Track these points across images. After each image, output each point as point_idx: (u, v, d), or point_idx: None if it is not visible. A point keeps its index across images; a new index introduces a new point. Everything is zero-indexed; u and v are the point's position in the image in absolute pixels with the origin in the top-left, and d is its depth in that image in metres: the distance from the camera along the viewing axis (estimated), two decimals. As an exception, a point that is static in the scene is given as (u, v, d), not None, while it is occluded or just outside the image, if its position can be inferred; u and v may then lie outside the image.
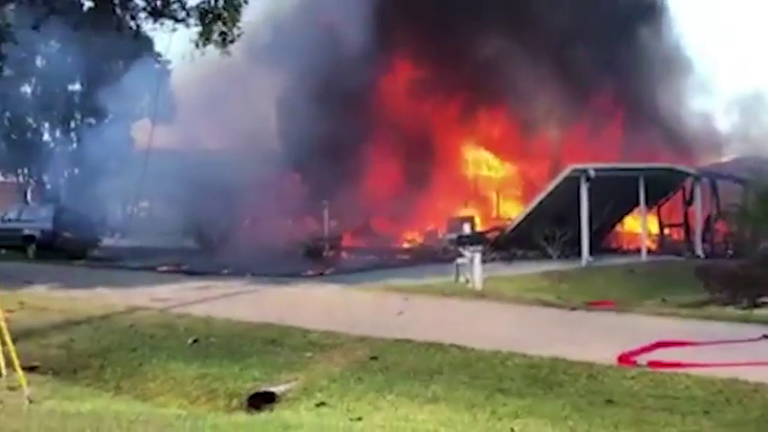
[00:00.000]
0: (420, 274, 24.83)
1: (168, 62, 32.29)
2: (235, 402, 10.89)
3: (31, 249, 34.61)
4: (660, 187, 32.65)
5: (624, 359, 11.95)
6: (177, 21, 22.91)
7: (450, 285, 21.79)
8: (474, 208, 35.96)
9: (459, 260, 22.52)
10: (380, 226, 34.75)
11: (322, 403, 10.11)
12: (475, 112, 35.95)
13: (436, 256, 29.53)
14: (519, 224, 31.42)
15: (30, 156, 40.42)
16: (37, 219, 35.63)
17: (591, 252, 29.09)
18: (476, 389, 10.47)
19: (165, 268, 28.36)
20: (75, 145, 41.04)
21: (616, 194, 30.87)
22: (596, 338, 14.14)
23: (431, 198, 34.99)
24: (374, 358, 12.34)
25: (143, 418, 9.08)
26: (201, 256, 31.68)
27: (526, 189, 35.87)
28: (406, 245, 34.76)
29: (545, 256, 29.24)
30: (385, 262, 29.07)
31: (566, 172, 30.02)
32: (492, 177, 38.10)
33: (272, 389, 10.96)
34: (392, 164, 33.92)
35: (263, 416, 10.07)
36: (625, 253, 33.38)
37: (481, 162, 37.98)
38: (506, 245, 31.17)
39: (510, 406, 9.70)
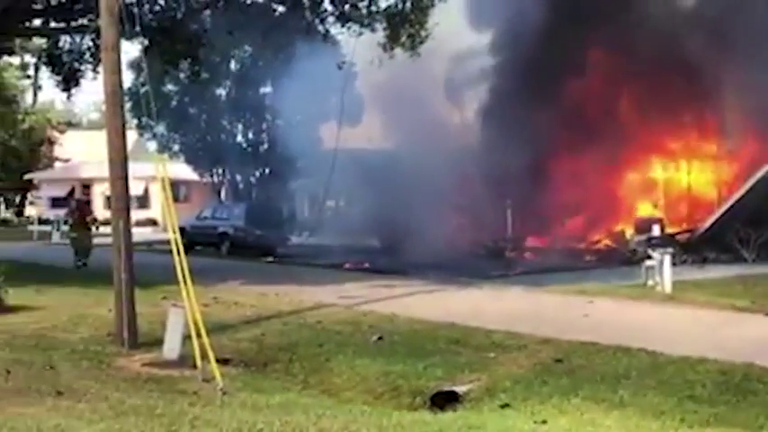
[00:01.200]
0: (606, 276, 24.29)
1: (353, 65, 32.85)
2: (418, 400, 11.00)
3: (225, 246, 35.97)
4: None
5: (825, 369, 11.33)
6: (363, 25, 23.38)
7: (637, 289, 21.19)
8: (663, 209, 34.88)
9: (648, 262, 21.87)
10: (566, 226, 34.17)
11: (506, 405, 10.05)
12: (672, 111, 34.78)
13: (624, 258, 28.83)
14: (712, 226, 30.25)
15: (224, 156, 42.02)
16: (230, 217, 37.07)
17: (790, 256, 27.71)
18: (664, 395, 10.16)
19: (350, 266, 28.90)
20: (265, 145, 42.38)
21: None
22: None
23: (619, 199, 34.17)
24: (559, 361, 12.18)
25: (330, 413, 9.28)
26: (385, 254, 32.07)
27: (720, 190, 34.49)
28: (592, 246, 34.08)
29: (739, 260, 28.04)
30: (570, 264, 28.59)
31: (763, 171, 28.70)
32: (684, 178, 36.84)
33: (455, 388, 10.99)
34: (580, 162, 33.28)
35: (447, 415, 10.10)
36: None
37: (673, 162, 36.78)
38: (698, 247, 30.09)
39: (700, 413, 9.37)
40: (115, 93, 13.08)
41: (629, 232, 32.84)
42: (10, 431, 7.67)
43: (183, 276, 11.11)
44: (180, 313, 11.73)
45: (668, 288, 20.46)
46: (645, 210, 34.92)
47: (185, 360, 11.61)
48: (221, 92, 41.43)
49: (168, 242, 12.16)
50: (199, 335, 11.03)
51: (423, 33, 22.80)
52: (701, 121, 34.46)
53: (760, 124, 31.14)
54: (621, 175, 34.48)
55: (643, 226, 31.71)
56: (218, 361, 11.08)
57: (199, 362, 11.01)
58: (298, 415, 8.86)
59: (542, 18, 31.55)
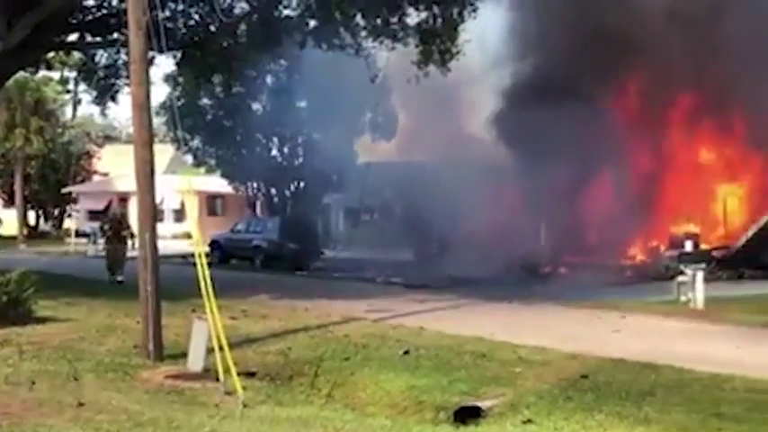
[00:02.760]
0: (640, 292, 24.13)
1: (387, 78, 32.88)
2: (442, 415, 10.95)
3: (258, 260, 36.12)
4: None
5: None
6: (396, 39, 23.42)
7: (670, 304, 21.01)
8: (700, 224, 34.50)
9: (681, 278, 21.66)
10: (601, 241, 33.90)
11: (529, 420, 9.99)
12: (709, 124, 34.46)
13: (658, 273, 28.55)
14: (748, 241, 29.90)
15: (259, 170, 42.18)
16: (264, 230, 37.24)
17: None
18: (690, 412, 10.04)
19: (381, 280, 28.89)
20: (300, 159, 42.51)
21: None
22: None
23: (656, 214, 33.85)
24: (585, 376, 12.07)
25: (350, 426, 9.26)
26: (419, 268, 32.04)
27: (759, 205, 34.05)
28: (627, 261, 33.78)
29: (775, 277, 27.68)
30: (604, 279, 28.36)
31: (799, 187, 28.39)
32: (721, 193, 36.42)
33: (479, 403, 10.92)
34: (617, 175, 33.05)
35: (468, 430, 10.06)
36: None
37: (709, 177, 36.38)
38: (734, 263, 29.76)
39: (726, 431, 9.25)
40: (142, 105, 13.18)
41: (664, 248, 32.55)
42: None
43: (206, 289, 11.15)
44: (204, 326, 11.77)
45: (700, 304, 20.25)
46: (682, 226, 34.56)
47: (209, 373, 11.63)
48: (257, 106, 41.58)
49: (205, 255, 12.21)
50: (221, 348, 11.04)
51: (453, 50, 22.82)
52: (738, 137, 34.10)
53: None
54: (660, 189, 34.12)
55: (678, 241, 31.47)
56: (242, 374, 11.10)
57: (222, 374, 11.02)
58: (317, 428, 8.88)
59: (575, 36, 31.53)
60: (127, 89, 27.36)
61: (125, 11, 14.25)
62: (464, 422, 10.50)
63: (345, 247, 43.57)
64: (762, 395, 10.82)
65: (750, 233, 30.02)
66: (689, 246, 25.92)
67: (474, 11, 23.23)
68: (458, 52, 23.25)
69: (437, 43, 22.83)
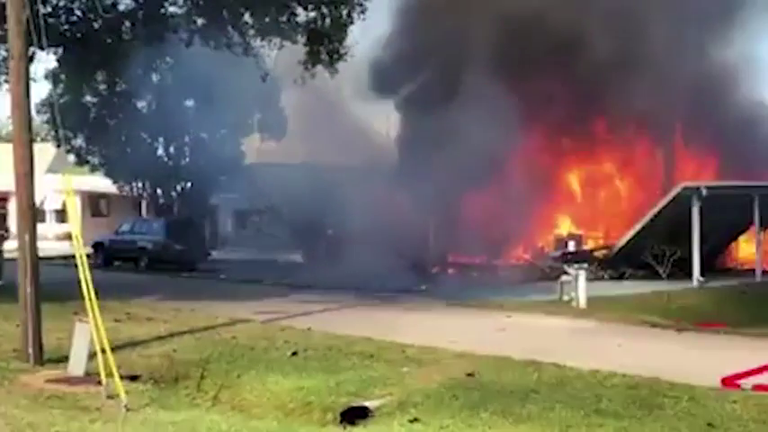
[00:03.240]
0: (525, 291, 24.57)
1: (277, 79, 32.69)
2: (329, 416, 10.91)
3: (143, 261, 35.47)
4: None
5: (728, 382, 11.55)
6: (285, 38, 23.29)
7: (553, 304, 21.47)
8: (583, 226, 35.37)
9: (564, 278, 22.18)
10: (489, 242, 34.42)
11: (415, 419, 10.03)
12: (585, 128, 35.38)
13: (543, 273, 29.15)
14: (628, 242, 30.76)
15: (144, 170, 41.37)
16: (149, 231, 36.55)
17: (702, 272, 28.27)
18: (572, 409, 10.24)
19: (270, 282, 28.71)
20: (187, 159, 41.88)
21: (730, 213, 29.96)
22: (701, 360, 13.74)
23: (542, 216, 34.55)
24: (471, 375, 12.21)
25: (236, 429, 9.15)
26: (308, 269, 31.96)
27: (638, 208, 35.09)
28: (513, 262, 34.39)
29: (654, 276, 28.54)
30: (491, 279, 28.82)
31: (677, 190, 29.30)
32: (602, 195, 37.41)
33: (366, 404, 10.93)
34: (503, 180, 33.63)
35: (356, 430, 10.06)
36: (739, 274, 32.32)
37: (591, 180, 37.33)
38: (615, 263, 30.58)
39: (607, 427, 9.48)
40: (21, 104, 12.79)
41: (549, 249, 33.26)
42: None
43: (88, 291, 10.87)
44: (86, 329, 11.47)
45: (583, 303, 20.74)
46: (565, 227, 35.39)
47: (91, 376, 11.35)
48: (142, 104, 40.76)
49: (87, 256, 11.89)
50: (104, 351, 10.78)
51: (342, 51, 22.85)
52: (620, 137, 35.13)
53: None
54: (544, 191, 34.83)
55: (562, 242, 32.20)
56: (125, 377, 10.86)
57: (104, 378, 10.76)
58: (202, 431, 8.73)
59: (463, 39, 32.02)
60: (6, 86, 26.52)
61: (4, 6, 13.79)
62: (352, 423, 10.48)
63: (233, 248, 43.14)
64: (641, 391, 11.13)
65: (630, 234, 30.85)
66: (572, 246, 26.49)
67: (363, 12, 23.26)
68: (346, 53, 23.28)
69: (325, 43, 22.78)
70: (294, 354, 14.06)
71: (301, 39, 23.34)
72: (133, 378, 11.79)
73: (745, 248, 35.08)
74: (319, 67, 23.85)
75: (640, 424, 9.68)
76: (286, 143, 40.61)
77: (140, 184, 43.39)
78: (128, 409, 9.85)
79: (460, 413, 10.14)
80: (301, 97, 33.30)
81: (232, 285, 28.02)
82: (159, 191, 42.74)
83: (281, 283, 28.21)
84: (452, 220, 31.74)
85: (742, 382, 11.55)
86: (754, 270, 30.77)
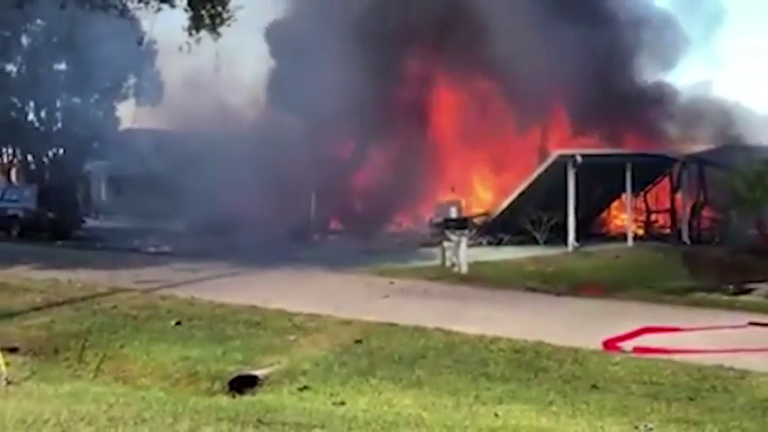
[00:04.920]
0: (407, 257, 24.75)
1: (154, 42, 31.96)
2: (217, 385, 10.77)
3: (15, 230, 34.30)
4: (648, 173, 32.67)
5: (609, 345, 11.91)
6: (163, 1, 22.69)
7: (435, 269, 21.70)
8: (462, 194, 35.81)
9: (446, 244, 22.44)
10: (372, 210, 34.55)
11: (305, 387, 10.00)
12: (465, 95, 35.78)
13: (424, 240, 29.44)
14: (506, 209, 31.32)
15: (14, 135, 39.98)
16: (20, 199, 35.29)
17: (577, 238, 29.07)
18: (460, 373, 10.39)
19: (151, 250, 28.17)
20: (59, 125, 40.63)
21: (603, 180, 30.84)
22: (582, 324, 14.11)
23: (421, 183, 34.82)
24: (358, 342, 12.25)
25: (123, 401, 8.93)
26: (189, 237, 31.47)
27: (514, 175, 35.73)
28: (395, 229, 34.64)
29: (532, 241, 29.19)
30: (373, 246, 28.94)
31: (553, 157, 29.96)
32: (480, 163, 37.91)
33: (255, 372, 10.85)
34: (382, 148, 33.74)
35: (244, 399, 9.95)
36: (612, 239, 33.36)
37: (469, 147, 37.79)
38: (493, 229, 31.12)
39: (494, 390, 9.62)
40: None
41: (430, 216, 33.59)
42: None
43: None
44: (-40, 300, 11.05)
45: (464, 268, 21.03)
46: (447, 195, 35.76)
47: (-33, 350, 10.93)
48: (11, 67, 39.30)
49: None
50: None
51: (225, 15, 22.33)
52: (498, 104, 35.59)
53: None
54: (424, 160, 35.10)
55: (442, 209, 32.56)
56: (4, 350, 10.49)
57: (-19, 352, 10.37)
58: (88, 404, 8.47)
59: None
60: None
61: None
62: (240, 392, 10.38)
63: (108, 216, 42.17)
64: (526, 354, 11.37)
65: (508, 201, 31.41)
66: (453, 213, 26.82)
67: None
68: (229, 17, 22.78)
69: (207, 8, 22.24)
70: (178, 323, 13.85)
71: (181, 3, 22.75)
72: (12, 350, 11.41)
73: (617, 215, 36.24)
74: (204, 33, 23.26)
75: (527, 387, 9.87)
76: (164, 109, 39.79)
77: (10, 151, 41.98)
78: (8, 383, 9.53)
79: (350, 380, 10.16)
80: (181, 62, 32.60)
81: (109, 254, 27.32)
82: (30, 157, 41.41)
83: (162, 251, 27.70)
84: (338, 188, 31.74)
85: (623, 344, 11.92)
86: (625, 235, 31.79)
